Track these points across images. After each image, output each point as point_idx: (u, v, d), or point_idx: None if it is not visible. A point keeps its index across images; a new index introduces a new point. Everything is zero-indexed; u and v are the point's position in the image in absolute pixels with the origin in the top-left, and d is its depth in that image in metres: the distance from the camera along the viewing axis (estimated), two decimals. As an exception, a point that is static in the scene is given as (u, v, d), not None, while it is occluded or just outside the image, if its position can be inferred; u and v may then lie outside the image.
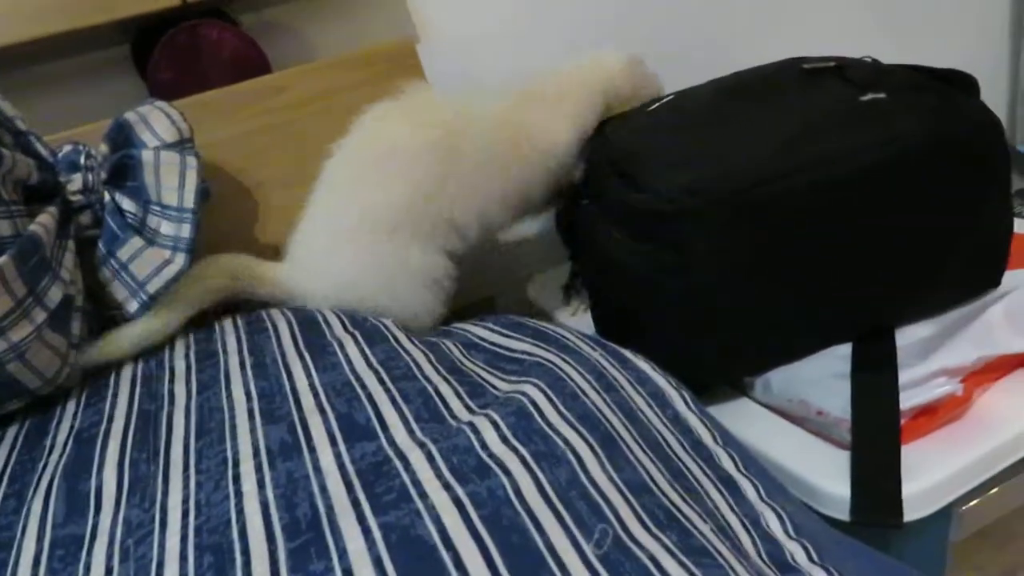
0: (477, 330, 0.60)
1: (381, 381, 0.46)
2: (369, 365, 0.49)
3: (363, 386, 0.46)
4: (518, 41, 0.92)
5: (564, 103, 0.70)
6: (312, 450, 0.40)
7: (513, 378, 0.48)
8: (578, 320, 0.78)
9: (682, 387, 0.51)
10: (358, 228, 0.64)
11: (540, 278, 0.91)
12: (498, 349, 0.55)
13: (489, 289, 0.90)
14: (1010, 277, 0.65)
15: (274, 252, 0.75)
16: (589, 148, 0.69)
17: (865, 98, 0.59)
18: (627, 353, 0.54)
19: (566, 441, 0.38)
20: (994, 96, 1.22)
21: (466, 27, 0.89)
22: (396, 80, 0.78)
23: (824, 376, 0.60)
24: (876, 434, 0.54)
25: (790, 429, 0.61)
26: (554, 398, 0.42)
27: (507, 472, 0.35)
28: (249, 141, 0.74)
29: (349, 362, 0.50)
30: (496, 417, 0.40)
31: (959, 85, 0.61)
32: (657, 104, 0.67)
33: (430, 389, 0.45)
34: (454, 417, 0.42)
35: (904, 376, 0.57)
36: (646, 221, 0.59)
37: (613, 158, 0.64)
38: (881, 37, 1.11)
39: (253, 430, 0.43)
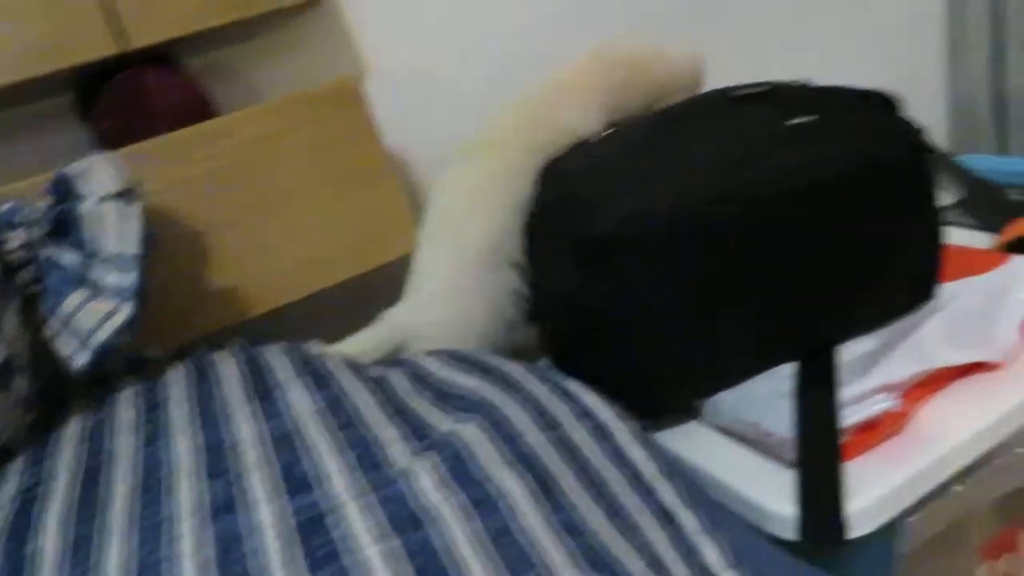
0: (427, 362, 0.61)
1: (324, 429, 0.47)
2: (313, 412, 0.50)
3: (306, 436, 0.46)
4: (470, 75, 0.93)
5: (562, 111, 0.73)
6: (251, 506, 0.40)
7: (457, 415, 0.49)
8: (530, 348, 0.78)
9: (628, 418, 0.52)
10: (474, 261, 0.70)
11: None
12: (444, 385, 0.56)
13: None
14: (947, 289, 0.67)
15: (224, 297, 0.76)
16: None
17: (796, 121, 0.61)
18: (573, 386, 0.54)
19: (502, 484, 0.39)
20: (934, 108, 1.25)
21: (416, 62, 0.90)
22: (343, 119, 0.79)
23: (770, 396, 0.61)
24: (819, 452, 0.55)
25: (739, 451, 0.61)
26: (494, 439, 0.43)
27: (441, 521, 0.36)
28: (195, 187, 0.74)
29: (293, 409, 0.50)
30: (434, 461, 0.41)
31: (885, 104, 0.63)
32: (598, 137, 0.69)
33: (371, 436, 0.46)
34: (394, 463, 0.42)
35: (845, 393, 0.59)
36: (593, 250, 0.60)
37: (557, 189, 0.65)
38: (826, 54, 1.14)
39: (194, 486, 0.43)
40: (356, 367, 0.60)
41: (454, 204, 0.73)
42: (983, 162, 0.96)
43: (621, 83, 0.74)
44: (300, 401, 0.52)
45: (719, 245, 0.58)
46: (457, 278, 0.70)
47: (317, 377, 0.56)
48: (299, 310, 0.79)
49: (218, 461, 0.45)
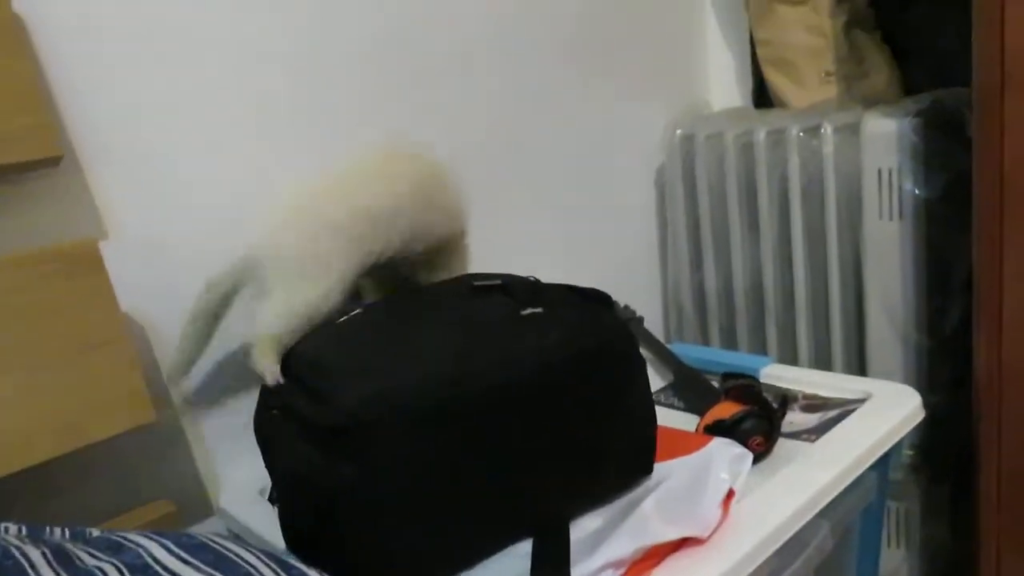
0: (153, 548, 0.55)
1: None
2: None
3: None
4: (215, 245, 0.91)
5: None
6: None
7: (179, 618, 0.45)
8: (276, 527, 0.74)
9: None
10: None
11: (232, 484, 0.87)
12: (169, 580, 0.51)
13: (174, 497, 0.83)
14: (660, 468, 0.74)
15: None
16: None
17: (525, 312, 0.67)
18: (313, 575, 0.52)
19: None
20: (650, 301, 1.43)
21: (159, 226, 0.87)
22: (76, 279, 0.74)
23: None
24: (552, 633, 0.57)
25: (477, 633, 0.62)
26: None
27: None
28: None
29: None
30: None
31: (599, 301, 0.72)
32: (344, 318, 0.70)
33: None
34: None
35: (576, 571, 0.62)
36: (329, 434, 0.60)
37: (298, 369, 0.65)
38: (558, 257, 1.27)
39: None
40: (64, 556, 0.53)
41: None
42: (688, 350, 1.10)
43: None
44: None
45: (456, 429, 0.61)
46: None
47: (7, 573, 0.49)
48: (14, 485, 0.69)
49: None
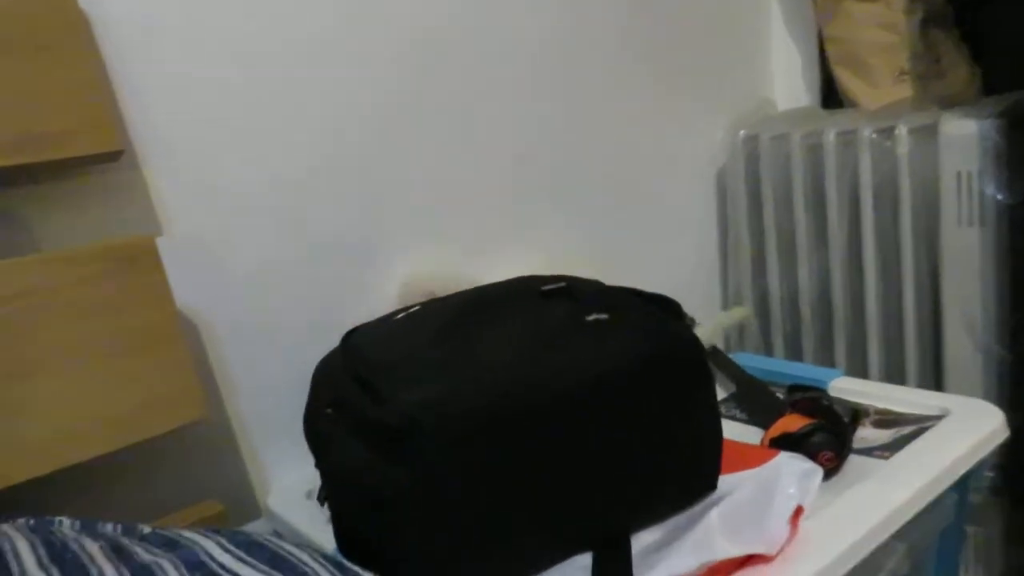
0: (209, 545, 0.54)
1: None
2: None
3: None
4: (269, 240, 0.91)
5: None
6: None
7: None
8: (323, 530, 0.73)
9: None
10: None
11: (280, 485, 0.86)
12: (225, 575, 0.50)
13: (222, 498, 0.83)
14: (725, 481, 0.71)
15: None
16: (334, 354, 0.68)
17: (591, 318, 0.64)
18: (367, 579, 0.51)
19: None
20: (711, 308, 1.39)
21: (214, 223, 0.87)
22: (133, 275, 0.74)
23: (565, 589, 0.60)
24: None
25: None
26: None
27: None
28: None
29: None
30: None
31: (666, 307, 0.69)
32: (403, 314, 0.68)
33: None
34: None
35: (638, 586, 0.59)
36: (385, 436, 0.58)
37: (355, 367, 0.63)
38: (615, 264, 1.25)
39: None
40: (121, 550, 0.52)
41: None
42: (751, 360, 1.06)
43: None
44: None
45: (515, 437, 0.58)
46: None
47: (67, 566, 0.48)
48: (65, 481, 0.70)
49: None
